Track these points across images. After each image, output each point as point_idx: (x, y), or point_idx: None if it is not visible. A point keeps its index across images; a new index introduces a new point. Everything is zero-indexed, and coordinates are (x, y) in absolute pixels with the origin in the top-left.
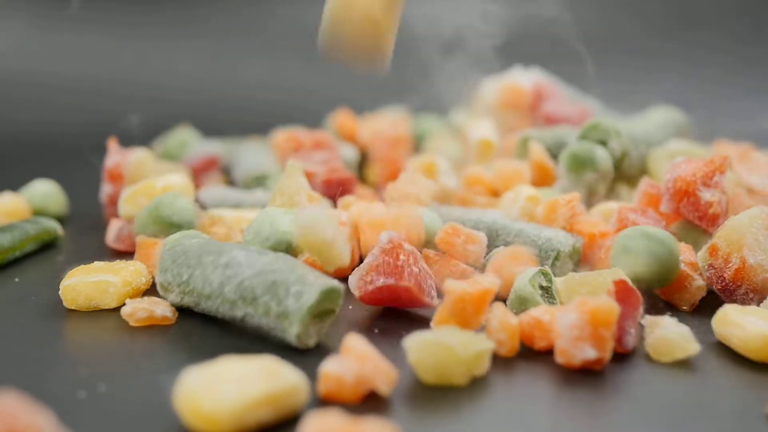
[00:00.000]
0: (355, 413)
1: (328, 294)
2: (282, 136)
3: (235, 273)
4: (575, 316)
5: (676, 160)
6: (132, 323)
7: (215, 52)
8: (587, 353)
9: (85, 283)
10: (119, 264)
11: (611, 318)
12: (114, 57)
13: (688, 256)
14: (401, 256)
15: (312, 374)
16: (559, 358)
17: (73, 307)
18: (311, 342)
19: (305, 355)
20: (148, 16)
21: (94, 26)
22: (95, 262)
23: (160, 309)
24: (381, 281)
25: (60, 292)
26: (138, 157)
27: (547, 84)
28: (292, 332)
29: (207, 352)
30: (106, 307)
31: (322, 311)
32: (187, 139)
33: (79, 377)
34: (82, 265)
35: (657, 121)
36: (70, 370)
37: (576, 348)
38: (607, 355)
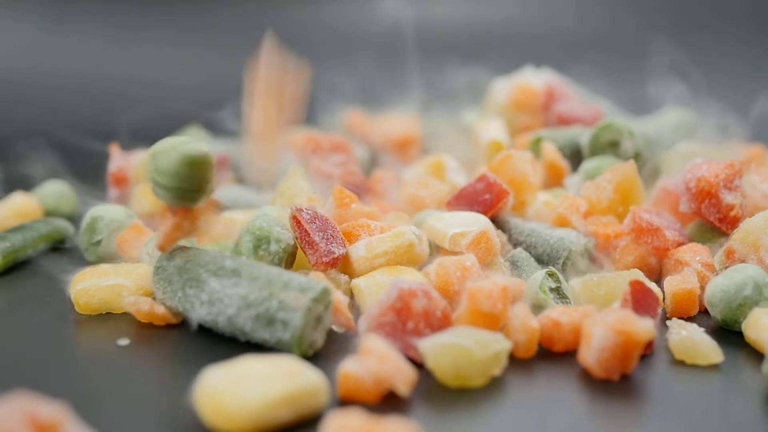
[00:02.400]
0: (374, 413)
1: (312, 307)
2: (301, 136)
3: (219, 310)
4: (610, 337)
5: (696, 160)
6: (133, 313)
7: (221, 51)
8: (611, 375)
9: (99, 287)
10: (127, 266)
11: (645, 341)
12: (123, 56)
13: (704, 257)
14: (409, 323)
15: (330, 374)
16: (581, 362)
17: (85, 312)
18: (319, 343)
19: (324, 355)
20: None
21: (106, 28)
22: (102, 265)
23: (162, 308)
24: (390, 341)
25: (72, 296)
26: (141, 158)
27: (559, 84)
28: (294, 354)
29: (225, 352)
30: (118, 311)
31: (316, 315)
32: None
33: (97, 377)
34: (88, 268)
35: (669, 122)
36: (87, 369)
37: (601, 369)
38: (629, 371)
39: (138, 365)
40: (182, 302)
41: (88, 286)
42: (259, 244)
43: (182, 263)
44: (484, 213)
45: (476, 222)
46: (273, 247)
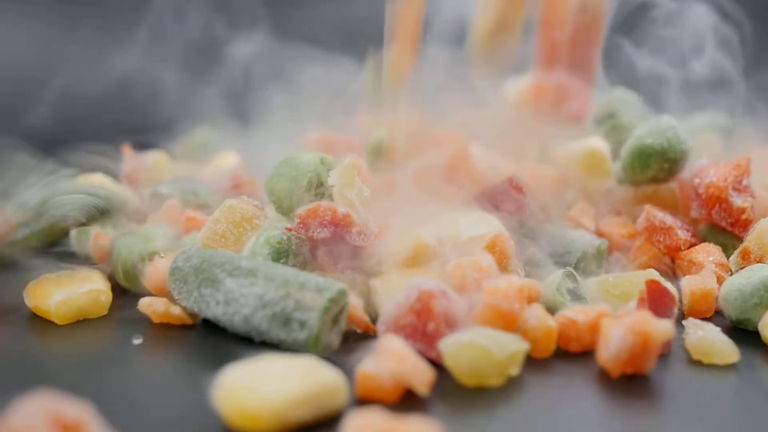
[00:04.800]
0: (393, 413)
1: (329, 308)
2: (315, 136)
3: (235, 310)
4: (629, 337)
5: (699, 162)
6: (149, 314)
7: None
8: (628, 371)
9: (77, 296)
10: (86, 271)
11: (664, 340)
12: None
13: (717, 257)
14: (430, 325)
15: (349, 374)
16: (599, 360)
17: (63, 323)
18: (335, 345)
19: (343, 355)
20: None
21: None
22: (62, 272)
23: (179, 309)
24: (410, 343)
25: (52, 311)
26: (153, 159)
27: (570, 82)
28: (311, 355)
29: (240, 352)
30: (95, 316)
31: (333, 315)
32: (208, 139)
33: (115, 376)
34: (45, 278)
35: (698, 123)
36: (103, 369)
37: (618, 368)
38: (647, 371)
39: (155, 365)
40: (198, 302)
41: (67, 297)
42: (278, 257)
43: (198, 263)
44: (508, 213)
45: (491, 224)
46: (291, 261)
